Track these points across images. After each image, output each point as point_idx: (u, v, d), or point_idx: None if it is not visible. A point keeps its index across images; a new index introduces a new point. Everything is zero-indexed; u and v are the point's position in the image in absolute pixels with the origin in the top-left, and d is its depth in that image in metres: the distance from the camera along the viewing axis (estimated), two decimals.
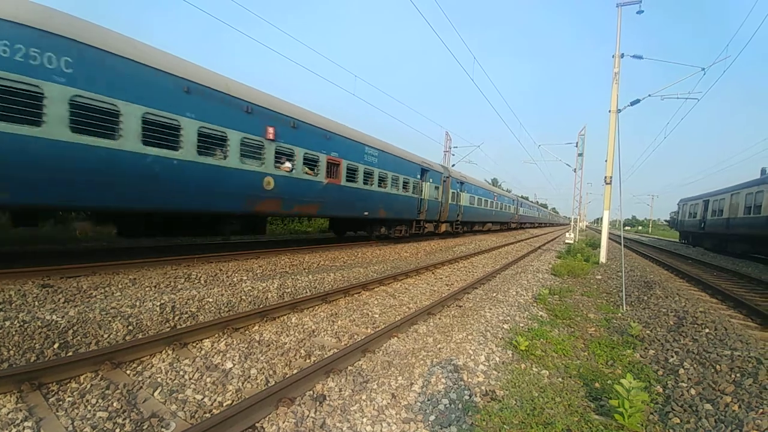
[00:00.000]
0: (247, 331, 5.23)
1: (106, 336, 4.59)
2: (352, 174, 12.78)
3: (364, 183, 13.64)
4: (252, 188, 9.12)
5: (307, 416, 3.20)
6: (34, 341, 4.17)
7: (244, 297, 6.53)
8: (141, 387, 3.57)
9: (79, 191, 6.14)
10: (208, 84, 7.90)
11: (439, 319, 6.27)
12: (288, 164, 10.06)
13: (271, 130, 9.29)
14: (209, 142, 7.90)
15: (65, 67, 5.75)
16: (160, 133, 7.00)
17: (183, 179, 7.50)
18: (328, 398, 3.51)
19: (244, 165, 8.80)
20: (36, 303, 5.18)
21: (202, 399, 3.45)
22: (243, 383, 3.79)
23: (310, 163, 10.85)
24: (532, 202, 71.24)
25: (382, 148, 14.76)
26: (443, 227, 21.29)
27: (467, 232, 27.61)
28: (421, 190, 17.92)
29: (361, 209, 13.56)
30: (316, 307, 6.53)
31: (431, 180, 18.73)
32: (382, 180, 14.64)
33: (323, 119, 11.73)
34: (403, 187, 16.30)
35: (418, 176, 17.60)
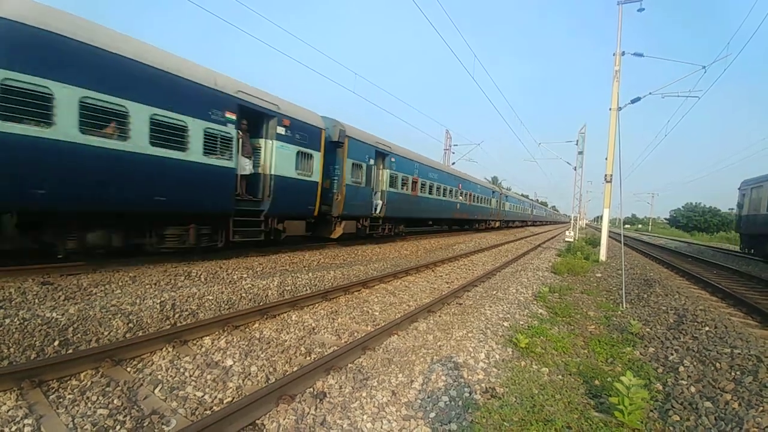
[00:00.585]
0: (247, 329, 5.23)
1: (106, 333, 4.60)
2: None
3: None
4: None
5: (308, 413, 3.21)
6: (35, 339, 4.17)
7: (244, 294, 6.54)
8: (141, 384, 3.57)
9: None
10: None
11: (440, 316, 6.27)
12: None
13: None
14: None
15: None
16: None
17: None
18: (328, 395, 3.51)
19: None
20: (36, 300, 5.18)
21: (203, 396, 3.46)
22: (243, 380, 3.79)
23: None
24: (523, 196, 62.22)
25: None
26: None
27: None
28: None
29: None
30: (317, 305, 6.53)
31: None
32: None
33: None
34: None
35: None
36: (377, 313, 6.39)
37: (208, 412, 3.20)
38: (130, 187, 6.72)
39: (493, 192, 33.34)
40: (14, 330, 4.20)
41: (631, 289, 9.18)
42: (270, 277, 7.58)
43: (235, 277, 7.54)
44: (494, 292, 8.12)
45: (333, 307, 6.53)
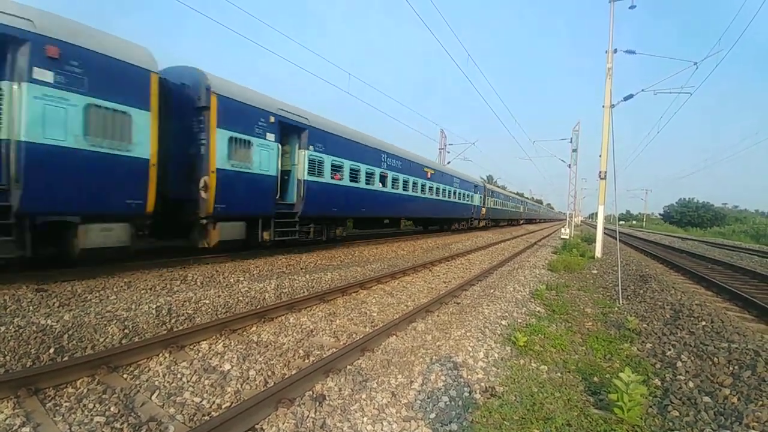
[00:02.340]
0: (244, 332, 5.20)
1: (102, 340, 4.55)
2: None
3: None
4: None
5: (307, 417, 3.19)
6: (30, 346, 4.11)
7: (241, 298, 6.50)
8: (138, 391, 3.53)
9: None
10: None
11: (438, 316, 6.27)
12: None
13: None
14: None
15: None
16: None
17: None
18: (327, 398, 3.49)
19: None
20: (30, 308, 5.12)
21: (201, 401, 3.42)
22: (242, 385, 3.76)
23: None
24: (518, 194, 58.21)
25: None
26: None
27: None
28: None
29: None
30: (314, 307, 6.50)
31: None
32: None
33: None
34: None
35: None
36: (375, 314, 6.37)
37: (207, 417, 3.17)
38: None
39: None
40: (9, 338, 4.14)
41: (627, 285, 9.23)
42: (267, 280, 7.54)
43: (231, 280, 7.49)
44: (492, 291, 8.13)
45: (331, 308, 6.50)
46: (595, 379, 4.09)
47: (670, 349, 4.90)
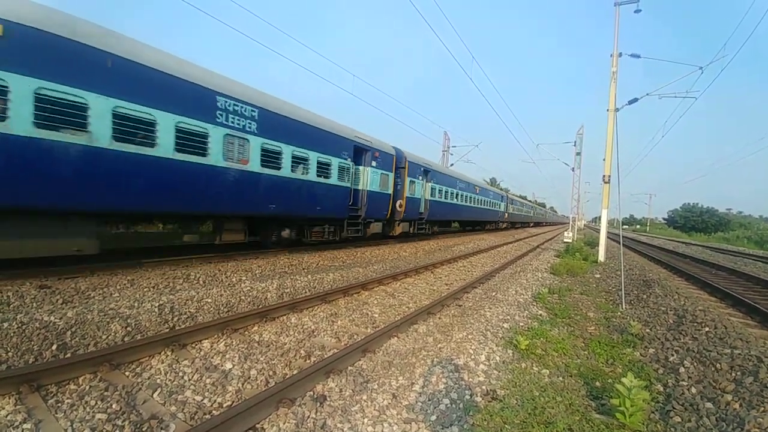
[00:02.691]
0: (246, 332, 5.21)
1: (104, 337, 4.57)
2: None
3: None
4: None
5: (308, 417, 3.19)
6: (33, 343, 4.14)
7: (243, 297, 6.51)
8: (140, 388, 3.55)
9: None
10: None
11: (439, 318, 6.26)
12: None
13: None
14: None
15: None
16: None
17: None
18: (328, 399, 3.49)
19: None
20: (34, 304, 5.15)
21: (202, 400, 3.43)
22: (243, 384, 3.77)
23: None
24: (521, 197, 61.58)
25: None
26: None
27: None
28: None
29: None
30: (316, 307, 6.51)
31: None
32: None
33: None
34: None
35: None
36: (377, 316, 6.37)
37: (208, 416, 3.18)
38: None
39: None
40: (12, 334, 4.17)
41: (631, 290, 9.19)
42: (269, 280, 7.55)
43: (233, 279, 7.51)
44: (494, 294, 8.11)
45: (332, 309, 6.51)
46: (597, 383, 4.07)
47: (673, 355, 4.88)
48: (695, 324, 5.94)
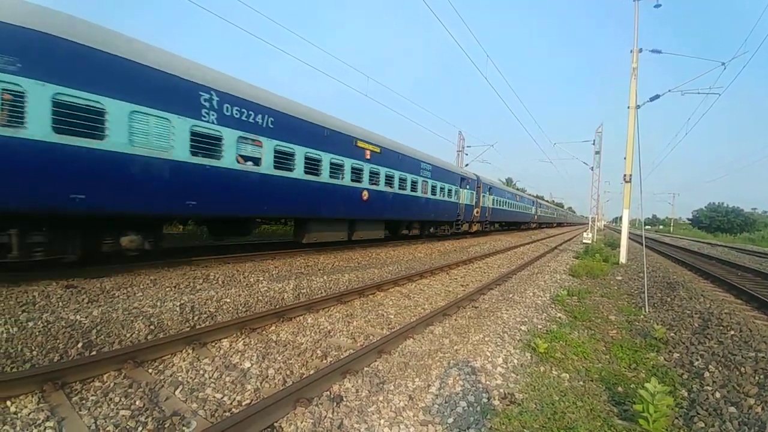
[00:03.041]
0: (264, 332, 5.28)
1: (128, 335, 4.70)
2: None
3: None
4: None
5: (325, 417, 3.21)
6: (58, 341, 4.28)
7: (260, 297, 6.60)
8: (163, 386, 3.63)
9: None
10: None
11: (455, 320, 6.21)
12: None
13: None
14: None
15: None
16: None
17: None
18: (345, 399, 3.51)
19: None
20: (60, 303, 5.32)
21: (222, 398, 3.50)
22: (261, 383, 3.82)
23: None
24: (537, 197, 60.04)
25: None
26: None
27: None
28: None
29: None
30: (332, 308, 6.55)
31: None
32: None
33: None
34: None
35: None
36: (392, 316, 6.37)
37: (228, 414, 3.23)
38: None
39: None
40: (37, 333, 4.31)
41: (654, 293, 8.94)
42: (285, 280, 7.64)
43: (251, 280, 7.62)
44: (511, 296, 8.00)
45: (348, 310, 6.53)
46: (620, 388, 3.98)
47: (698, 359, 4.73)
48: (721, 327, 5.74)
